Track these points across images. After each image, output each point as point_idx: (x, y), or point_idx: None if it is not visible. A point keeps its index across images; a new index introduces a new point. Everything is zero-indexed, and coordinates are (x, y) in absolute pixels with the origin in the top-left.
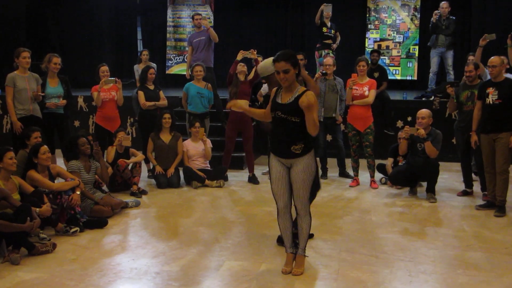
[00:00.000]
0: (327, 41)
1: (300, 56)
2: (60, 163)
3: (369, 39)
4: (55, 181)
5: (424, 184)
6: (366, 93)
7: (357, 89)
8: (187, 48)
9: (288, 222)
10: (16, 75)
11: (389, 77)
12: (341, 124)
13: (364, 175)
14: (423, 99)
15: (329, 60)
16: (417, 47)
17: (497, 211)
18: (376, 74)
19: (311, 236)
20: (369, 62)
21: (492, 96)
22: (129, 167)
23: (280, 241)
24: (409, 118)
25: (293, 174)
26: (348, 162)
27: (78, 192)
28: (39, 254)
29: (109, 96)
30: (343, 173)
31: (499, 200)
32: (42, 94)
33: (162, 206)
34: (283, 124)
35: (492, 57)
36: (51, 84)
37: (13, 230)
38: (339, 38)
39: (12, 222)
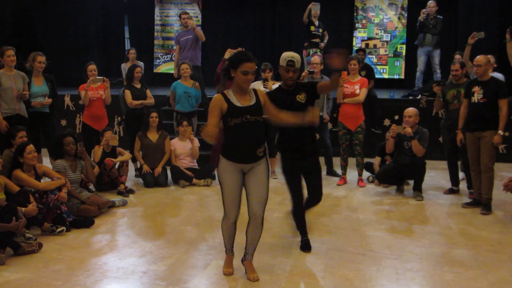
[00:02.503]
0: (314, 40)
1: None
2: (46, 162)
3: (357, 38)
4: (41, 181)
5: (411, 182)
6: (357, 91)
7: (348, 87)
8: (174, 47)
9: (235, 230)
10: (1, 73)
11: (377, 76)
12: (329, 122)
13: (351, 174)
14: (410, 97)
15: (316, 58)
16: (404, 46)
17: (482, 209)
18: (363, 73)
19: None
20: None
21: (477, 94)
22: (116, 166)
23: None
24: (396, 117)
25: (255, 178)
26: (336, 160)
27: (64, 191)
28: (25, 254)
29: (96, 95)
30: (330, 172)
31: (484, 198)
32: (28, 93)
33: (149, 205)
34: (252, 127)
35: (478, 56)
36: (36, 83)
37: None
38: (326, 37)
39: None
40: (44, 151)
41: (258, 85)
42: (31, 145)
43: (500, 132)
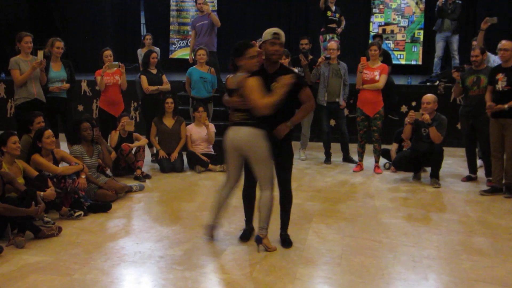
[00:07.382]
0: (331, 25)
1: (304, 41)
2: (64, 147)
3: (374, 23)
4: (59, 165)
5: (428, 169)
6: (377, 77)
7: (367, 74)
8: (190, 32)
9: None
10: (19, 59)
11: (394, 62)
12: (345, 109)
13: (367, 160)
14: (428, 84)
15: (333, 44)
16: (422, 32)
17: (507, 193)
18: (380, 59)
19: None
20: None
21: (501, 82)
22: (133, 151)
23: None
24: (414, 103)
25: None
26: (352, 147)
27: (83, 176)
28: (45, 237)
29: (112, 81)
30: (346, 158)
31: (508, 182)
32: (44, 60)
33: (166, 190)
34: None
35: (503, 41)
36: (54, 68)
37: (19, 215)
38: (343, 22)
39: (17, 206)
40: (61, 136)
41: None
42: (50, 130)
43: None
